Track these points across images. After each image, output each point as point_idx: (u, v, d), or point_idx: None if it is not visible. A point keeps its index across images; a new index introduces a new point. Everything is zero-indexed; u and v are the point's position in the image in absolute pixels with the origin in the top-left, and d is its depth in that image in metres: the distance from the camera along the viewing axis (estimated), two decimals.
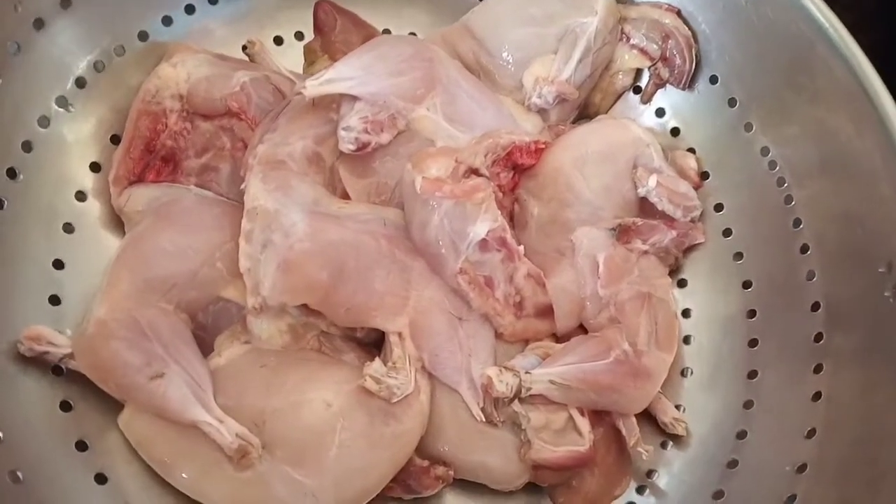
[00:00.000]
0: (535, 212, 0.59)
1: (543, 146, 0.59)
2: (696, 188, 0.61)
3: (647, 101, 0.66)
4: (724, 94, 0.62)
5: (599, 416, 0.55)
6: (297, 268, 0.51)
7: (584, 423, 0.53)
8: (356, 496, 0.50)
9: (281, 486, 0.48)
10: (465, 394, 0.53)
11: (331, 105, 0.57)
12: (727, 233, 0.61)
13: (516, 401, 0.52)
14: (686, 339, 0.60)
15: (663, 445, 0.57)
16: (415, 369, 0.52)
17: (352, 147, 0.55)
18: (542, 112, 0.63)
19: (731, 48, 0.61)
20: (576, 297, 0.57)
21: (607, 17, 0.62)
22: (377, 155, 0.57)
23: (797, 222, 0.56)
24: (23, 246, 0.53)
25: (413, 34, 0.68)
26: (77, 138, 0.58)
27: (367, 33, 0.66)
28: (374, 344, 0.55)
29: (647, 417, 0.56)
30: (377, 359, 0.52)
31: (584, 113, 0.66)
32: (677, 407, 0.57)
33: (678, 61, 0.63)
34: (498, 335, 0.55)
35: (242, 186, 0.53)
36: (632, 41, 0.64)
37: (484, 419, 0.52)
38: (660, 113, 0.65)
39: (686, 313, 0.61)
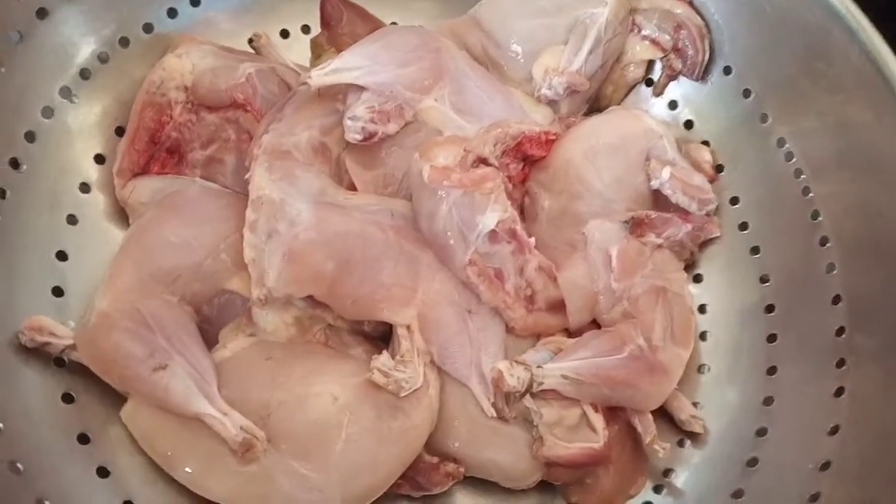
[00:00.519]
0: (546, 204, 0.58)
1: (554, 137, 0.58)
2: (711, 181, 0.60)
3: (659, 93, 0.65)
4: (738, 85, 0.61)
5: (614, 413, 0.54)
6: (303, 258, 0.50)
7: (598, 420, 0.52)
8: (363, 492, 0.49)
9: (286, 481, 0.47)
10: (475, 388, 0.52)
11: (337, 96, 0.57)
12: (743, 226, 0.60)
13: (528, 396, 0.51)
14: (702, 335, 0.59)
15: (680, 443, 0.55)
16: (423, 363, 0.51)
17: (358, 137, 0.54)
18: (552, 104, 0.62)
19: (745, 38, 0.60)
20: (588, 291, 0.56)
21: (618, 7, 0.61)
22: (384, 146, 0.56)
23: (815, 214, 0.55)
24: (25, 237, 0.53)
25: (420, 27, 0.66)
26: (81, 129, 0.57)
27: (374, 26, 0.65)
28: (381, 338, 0.54)
29: (664, 415, 0.55)
30: (385, 352, 0.51)
31: (596, 106, 0.65)
32: (694, 404, 0.56)
33: (691, 52, 0.62)
34: (508, 329, 0.54)
35: (247, 176, 0.53)
36: (643, 32, 0.63)
37: (495, 415, 0.51)
38: (672, 105, 0.64)
39: (702, 309, 0.60)
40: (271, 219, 0.50)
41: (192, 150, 0.58)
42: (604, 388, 0.52)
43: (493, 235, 0.52)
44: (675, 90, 0.64)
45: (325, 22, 0.64)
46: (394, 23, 0.66)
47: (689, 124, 0.64)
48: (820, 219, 0.55)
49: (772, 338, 0.55)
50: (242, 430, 0.47)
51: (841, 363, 0.50)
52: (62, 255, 0.54)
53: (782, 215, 0.57)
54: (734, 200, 0.60)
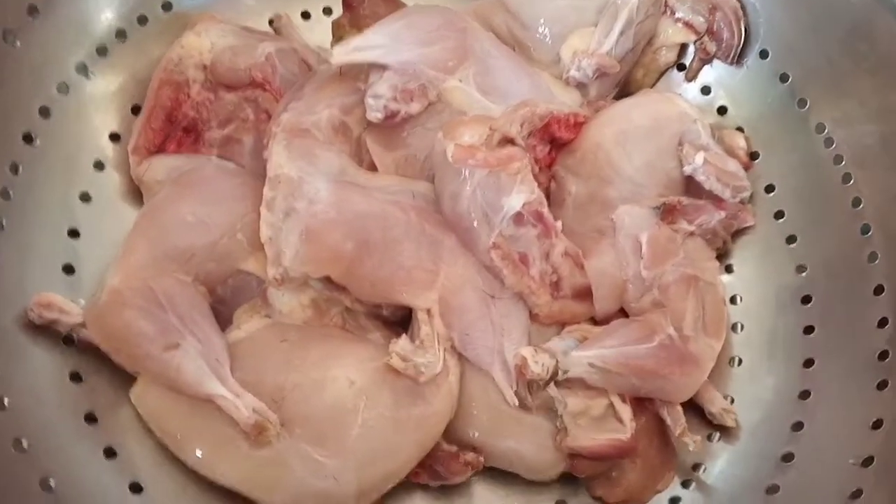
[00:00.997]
0: (574, 189, 0.57)
1: (583, 120, 0.57)
2: (746, 168, 0.58)
3: (692, 77, 0.63)
4: (775, 70, 0.59)
5: (642, 404, 0.52)
6: (321, 237, 0.49)
7: (625, 411, 0.50)
8: (379, 479, 0.48)
9: (300, 466, 0.46)
10: (497, 376, 0.50)
11: (359, 75, 0.56)
12: (779, 215, 0.58)
13: (552, 384, 0.49)
14: (734, 327, 0.57)
15: (710, 438, 0.54)
16: (444, 348, 0.50)
17: (379, 115, 0.53)
18: (580, 87, 0.60)
19: (783, 20, 0.58)
20: (616, 278, 0.54)
21: None
22: (407, 127, 0.55)
23: (857, 202, 0.53)
24: (38, 213, 0.52)
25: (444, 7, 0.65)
26: (97, 106, 0.57)
27: (396, 7, 0.64)
28: (400, 323, 0.53)
29: (694, 408, 0.53)
30: (404, 336, 0.49)
31: (626, 91, 0.63)
32: (726, 397, 0.54)
33: (726, 35, 0.61)
34: (532, 316, 0.53)
35: (265, 154, 0.52)
36: (676, 14, 0.62)
37: (517, 403, 0.50)
38: (706, 90, 0.63)
39: (734, 300, 0.58)
40: (289, 197, 0.49)
41: (210, 129, 0.58)
42: (632, 377, 0.50)
43: (518, 218, 0.51)
44: (708, 74, 0.63)
45: (347, 3, 0.63)
46: (416, 3, 0.65)
47: (722, 110, 0.62)
48: (861, 206, 0.53)
49: (808, 329, 0.54)
50: (255, 412, 0.46)
51: (884, 355, 0.49)
52: (74, 233, 0.54)
53: (821, 203, 0.56)
54: (769, 188, 0.59)
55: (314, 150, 0.52)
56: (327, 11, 0.66)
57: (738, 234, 0.58)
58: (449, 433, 0.50)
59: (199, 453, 0.47)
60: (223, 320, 0.51)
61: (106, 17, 0.57)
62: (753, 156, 0.60)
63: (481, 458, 0.50)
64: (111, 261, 0.51)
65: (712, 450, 0.53)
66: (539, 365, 0.48)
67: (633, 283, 0.53)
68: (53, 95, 0.54)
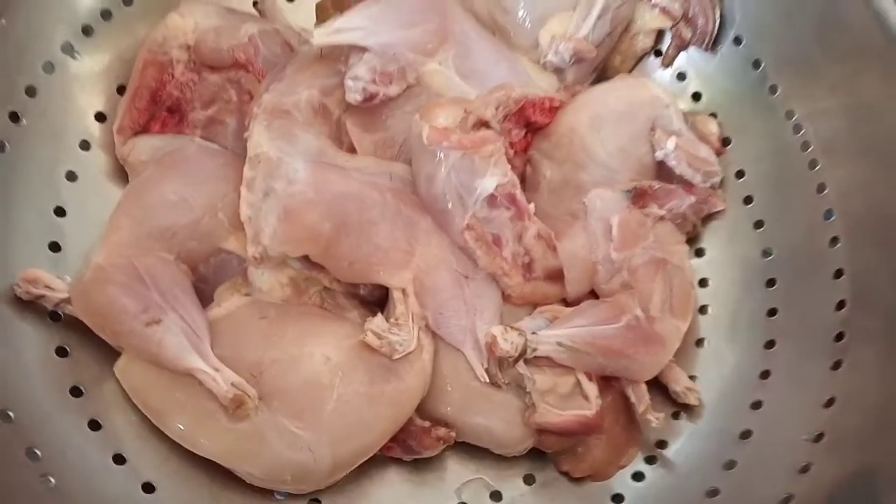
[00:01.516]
0: (548, 174, 0.58)
1: (558, 104, 0.58)
2: (718, 154, 0.59)
3: (668, 63, 0.64)
4: (748, 56, 0.60)
5: (608, 383, 0.54)
6: (299, 217, 0.50)
7: (591, 388, 0.52)
8: (354, 452, 0.49)
9: (277, 438, 0.48)
10: (468, 354, 0.52)
11: (339, 57, 0.56)
12: (748, 200, 0.59)
13: (521, 362, 0.51)
14: (702, 309, 0.58)
15: (675, 416, 0.55)
16: (418, 327, 0.51)
17: (358, 97, 0.54)
18: (558, 72, 0.61)
19: (756, 7, 0.59)
20: (587, 261, 0.55)
21: None
22: (386, 109, 0.56)
23: (821, 187, 0.55)
24: (24, 191, 0.53)
25: None
26: (82, 86, 0.57)
27: None
28: (377, 303, 0.54)
29: (660, 387, 0.55)
30: (379, 314, 0.51)
31: (603, 76, 0.64)
32: (692, 377, 0.56)
33: (701, 21, 0.61)
34: (505, 297, 0.54)
35: (246, 135, 0.52)
36: (653, 0, 0.62)
37: (488, 380, 0.51)
38: (681, 76, 0.64)
39: (703, 282, 0.59)
40: (268, 177, 0.50)
41: (193, 109, 0.58)
42: (599, 356, 0.52)
43: (491, 200, 0.52)
44: (683, 61, 0.63)
45: None
46: None
47: (696, 96, 0.63)
48: (826, 192, 0.54)
49: (772, 312, 0.55)
50: (234, 386, 0.47)
51: (840, 337, 0.50)
52: (60, 211, 0.54)
53: (788, 189, 0.57)
54: (740, 174, 0.60)
55: (294, 131, 0.52)
56: None
57: (708, 217, 0.59)
58: (422, 409, 0.51)
59: (180, 426, 0.48)
60: (205, 298, 0.52)
61: None
62: (726, 141, 0.60)
63: (453, 434, 0.51)
64: (96, 239, 0.52)
65: (676, 427, 0.55)
66: (508, 343, 0.50)
67: (603, 265, 0.55)
68: (39, 74, 0.54)
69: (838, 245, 0.52)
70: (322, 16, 0.64)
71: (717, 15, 0.61)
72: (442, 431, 0.51)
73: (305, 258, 0.51)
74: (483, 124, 0.53)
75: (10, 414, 0.45)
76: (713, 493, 0.50)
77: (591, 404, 0.51)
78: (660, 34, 0.63)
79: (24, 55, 0.54)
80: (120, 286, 0.49)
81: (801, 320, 0.53)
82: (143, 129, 0.57)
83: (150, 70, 0.57)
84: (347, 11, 0.56)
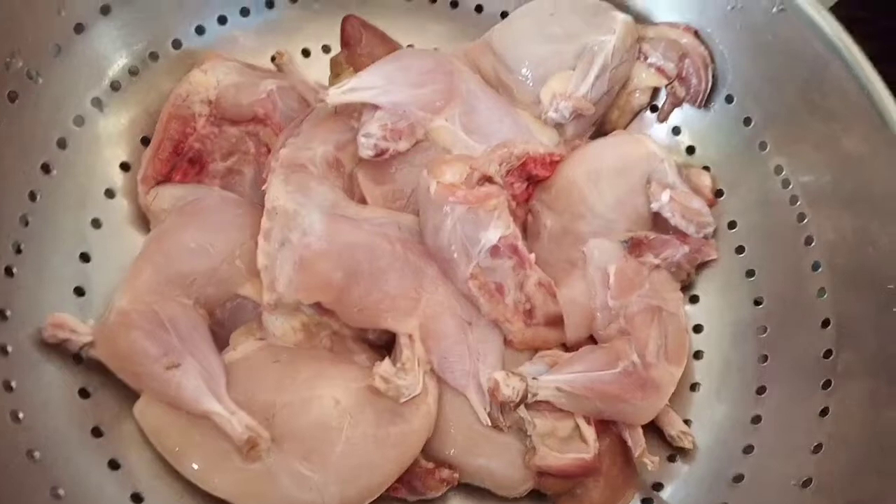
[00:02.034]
0: (548, 223, 0.60)
1: (558, 159, 0.60)
2: (711, 205, 0.62)
3: (663, 119, 0.67)
4: (739, 114, 0.63)
5: (606, 426, 0.55)
6: (313, 266, 0.52)
7: (589, 432, 0.54)
8: (361, 493, 0.51)
9: (287, 479, 0.49)
10: (472, 398, 0.54)
11: (352, 113, 0.59)
12: (740, 250, 0.61)
13: (522, 406, 0.53)
14: (697, 355, 0.60)
15: (671, 459, 0.57)
16: (423, 371, 0.53)
17: (370, 153, 0.56)
18: (558, 127, 0.64)
19: (747, 68, 0.62)
20: (586, 307, 0.57)
21: (625, 35, 0.63)
22: (395, 163, 0.58)
23: (809, 240, 0.57)
24: (53, 238, 0.55)
25: (436, 50, 0.69)
26: (109, 138, 0.60)
27: (392, 48, 0.67)
28: (385, 346, 0.56)
29: (655, 431, 0.57)
30: (387, 359, 0.53)
31: (601, 130, 0.67)
32: (686, 421, 0.57)
33: (694, 80, 0.64)
34: (507, 342, 0.56)
35: (264, 187, 0.55)
36: (649, 60, 0.65)
37: (490, 424, 0.53)
38: (676, 131, 0.66)
39: (697, 329, 0.61)
40: (285, 228, 0.53)
41: (213, 160, 0.61)
42: (597, 401, 0.53)
43: (494, 250, 0.54)
44: (678, 116, 0.66)
45: (346, 42, 0.67)
46: (411, 45, 0.69)
47: (690, 150, 0.66)
48: (813, 244, 0.56)
49: (763, 358, 0.57)
50: (248, 428, 0.49)
51: (827, 384, 0.52)
52: (85, 257, 0.57)
53: (777, 240, 0.59)
54: (732, 225, 0.62)
55: (309, 184, 0.55)
56: (326, 49, 0.69)
57: (701, 266, 0.62)
58: (426, 450, 0.53)
59: (195, 466, 0.50)
60: (220, 341, 0.54)
61: (120, 54, 0.61)
62: (718, 193, 0.63)
63: (456, 475, 0.53)
64: (119, 283, 0.54)
65: (671, 470, 0.56)
66: (510, 388, 0.52)
67: (601, 311, 0.57)
68: (70, 128, 0.58)
69: (825, 296, 0.54)
70: (336, 70, 0.67)
71: (710, 75, 0.64)
72: (446, 473, 0.53)
73: (317, 304, 0.53)
74: (487, 179, 0.55)
75: (36, 454, 0.47)
76: None
77: (589, 447, 0.53)
78: (655, 91, 0.66)
79: (57, 110, 0.57)
80: (142, 331, 0.51)
81: (791, 367, 0.55)
82: (166, 179, 0.60)
83: (174, 123, 0.61)
84: (362, 71, 0.59)
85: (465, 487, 0.55)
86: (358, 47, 0.67)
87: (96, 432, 0.52)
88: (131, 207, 0.60)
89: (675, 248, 0.59)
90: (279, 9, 0.68)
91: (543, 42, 0.64)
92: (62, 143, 0.57)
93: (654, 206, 0.60)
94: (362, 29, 0.67)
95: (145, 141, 0.62)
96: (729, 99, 0.63)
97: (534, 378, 0.53)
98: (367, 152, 0.57)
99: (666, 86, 0.66)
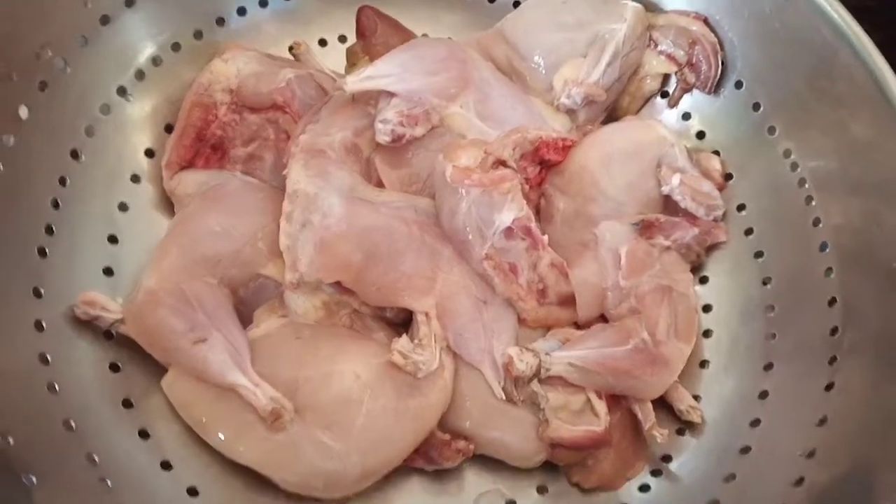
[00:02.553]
0: (561, 206, 0.62)
1: (570, 143, 0.62)
2: (720, 189, 0.63)
3: (673, 105, 0.68)
4: (748, 99, 0.64)
5: (617, 401, 0.57)
6: (333, 247, 0.54)
7: (601, 406, 0.55)
8: (380, 463, 0.52)
9: (311, 449, 0.51)
10: (486, 373, 0.55)
11: (369, 101, 0.61)
12: (749, 232, 0.62)
13: (536, 381, 0.54)
14: (706, 333, 0.61)
15: (679, 432, 0.58)
16: (440, 347, 0.54)
17: (387, 139, 0.58)
18: (570, 113, 0.65)
19: (756, 55, 0.63)
20: (598, 287, 0.59)
21: (636, 23, 0.65)
22: (411, 148, 0.60)
23: (816, 221, 0.58)
24: (82, 221, 0.57)
25: (449, 38, 0.71)
26: (134, 125, 0.62)
27: (406, 37, 0.69)
28: (402, 324, 0.58)
29: (665, 405, 0.58)
30: (405, 335, 0.54)
31: (613, 116, 0.68)
32: (695, 397, 0.58)
33: (704, 67, 0.65)
34: (521, 320, 0.58)
35: (285, 172, 0.56)
36: (660, 47, 0.67)
37: (504, 398, 0.54)
38: (686, 116, 0.68)
39: (707, 308, 0.62)
40: (306, 211, 0.54)
41: (235, 147, 0.63)
42: (608, 376, 0.55)
43: (508, 232, 0.56)
44: (688, 102, 0.67)
45: (361, 32, 0.68)
46: (425, 35, 0.70)
47: (700, 135, 0.67)
48: (820, 225, 0.57)
49: (771, 336, 0.58)
50: (272, 400, 0.50)
51: (833, 360, 0.53)
52: (113, 239, 0.59)
53: (785, 222, 0.60)
54: (741, 207, 0.63)
55: (328, 169, 0.56)
56: (342, 39, 0.71)
57: (711, 248, 0.63)
58: (443, 423, 0.54)
59: (221, 436, 0.51)
60: (244, 319, 0.55)
61: (144, 45, 0.63)
62: (727, 177, 0.64)
63: (471, 446, 0.54)
64: (146, 264, 0.56)
65: (680, 443, 0.57)
66: (524, 363, 0.53)
67: (612, 291, 0.58)
68: (97, 116, 0.60)
69: (832, 275, 0.56)
70: (352, 59, 0.69)
71: (720, 61, 0.65)
72: (461, 444, 0.54)
73: (337, 283, 0.55)
74: (501, 163, 0.57)
75: (73, 423, 0.50)
76: None
77: (600, 421, 0.54)
78: (666, 78, 0.68)
79: (85, 99, 0.59)
80: (169, 308, 0.53)
81: (798, 344, 0.56)
82: (189, 165, 0.62)
83: (197, 111, 0.62)
84: (378, 60, 0.60)
85: (480, 458, 0.56)
86: (373, 37, 0.68)
87: (127, 404, 0.54)
88: (156, 192, 0.62)
89: (686, 231, 0.61)
90: (296, 0, 0.70)
91: (555, 30, 0.65)
92: (90, 131, 0.59)
93: (665, 190, 0.61)
94: (377, 19, 0.69)
95: (169, 128, 0.64)
96: (738, 85, 0.64)
97: (547, 354, 0.54)
98: (384, 138, 0.58)
99: (676, 72, 0.67)
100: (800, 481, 0.49)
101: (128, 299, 0.55)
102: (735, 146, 0.65)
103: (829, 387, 0.52)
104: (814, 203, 0.58)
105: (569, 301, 0.59)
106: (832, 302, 0.55)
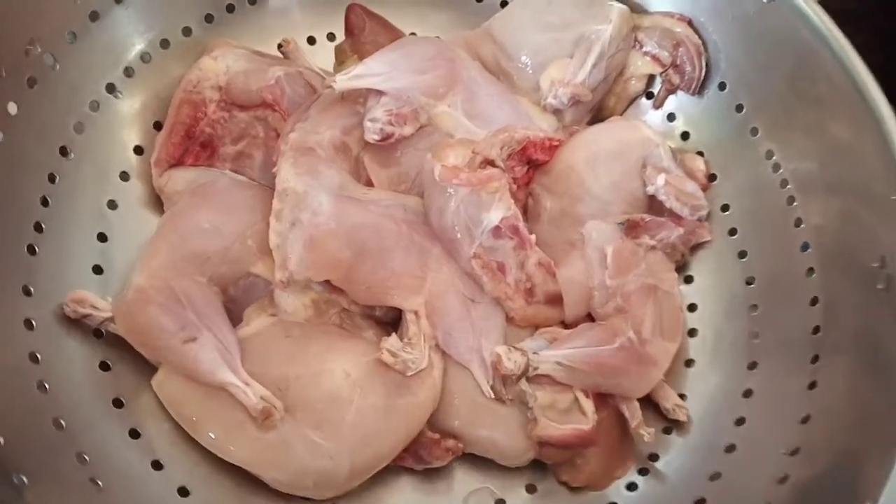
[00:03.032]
0: (548, 205, 0.62)
1: (557, 143, 0.62)
2: (704, 189, 0.64)
3: (658, 106, 0.69)
4: (731, 101, 0.65)
5: (603, 399, 0.57)
6: (322, 245, 0.54)
7: (588, 404, 0.56)
8: (370, 461, 0.53)
9: (301, 447, 0.51)
10: (475, 371, 0.56)
11: (358, 99, 0.61)
12: (732, 232, 0.63)
13: (524, 380, 0.55)
14: (691, 332, 0.62)
15: (666, 431, 0.59)
16: (429, 346, 0.55)
17: (376, 137, 0.58)
18: (557, 113, 0.65)
19: (739, 57, 0.64)
20: (584, 286, 0.59)
21: (621, 25, 0.65)
22: (400, 147, 0.60)
23: (798, 222, 0.59)
24: (72, 218, 0.57)
25: (437, 38, 0.71)
26: (123, 123, 0.62)
27: (395, 36, 0.69)
28: (391, 323, 0.58)
29: (652, 406, 0.58)
30: (394, 334, 0.55)
31: (599, 116, 0.69)
32: (681, 395, 0.59)
33: (688, 68, 0.66)
34: (509, 319, 0.58)
35: (274, 170, 0.57)
36: (644, 48, 0.67)
37: (493, 396, 0.55)
38: (670, 117, 0.68)
39: (692, 307, 0.63)
40: (295, 209, 0.54)
41: (224, 144, 0.63)
42: (595, 375, 0.55)
43: (496, 231, 0.56)
44: (673, 103, 0.68)
45: (350, 30, 0.68)
46: (413, 33, 0.71)
47: (685, 135, 0.68)
48: (802, 226, 0.58)
49: (754, 335, 0.59)
50: (262, 399, 0.51)
51: (815, 359, 0.54)
52: (103, 237, 0.59)
53: (768, 222, 0.61)
54: (725, 208, 0.64)
55: (318, 167, 0.57)
56: (331, 37, 0.71)
57: (695, 247, 0.64)
58: (432, 422, 0.54)
59: (212, 435, 0.51)
60: (234, 317, 0.55)
61: (133, 41, 0.63)
62: (711, 178, 0.65)
63: (460, 445, 0.55)
64: (135, 262, 0.56)
65: (667, 441, 0.58)
66: (512, 362, 0.53)
67: (598, 290, 0.59)
68: (86, 112, 0.59)
69: (813, 275, 0.56)
70: (340, 57, 0.69)
71: (704, 63, 0.65)
72: (450, 443, 0.55)
73: (327, 282, 0.55)
74: (489, 163, 0.57)
75: (62, 422, 0.49)
76: (700, 502, 0.53)
77: (588, 419, 0.54)
78: (651, 79, 0.68)
79: (74, 96, 0.58)
80: (159, 306, 0.53)
81: (781, 343, 0.57)
82: (178, 162, 0.62)
83: (185, 108, 0.62)
84: (367, 58, 0.60)
85: (469, 457, 0.57)
86: (362, 35, 0.69)
87: (117, 403, 0.54)
88: (146, 189, 0.62)
89: (670, 230, 0.61)
90: None
91: (542, 31, 0.66)
92: (79, 128, 0.59)
93: (650, 190, 0.62)
94: (366, 17, 0.69)
95: (158, 125, 0.64)
96: (722, 86, 0.65)
97: (534, 353, 0.55)
98: (372, 136, 0.58)
99: (661, 73, 0.68)
100: (784, 479, 0.50)
101: (117, 297, 0.55)
102: (719, 147, 0.66)
103: (811, 385, 0.53)
104: (795, 204, 0.59)
105: (556, 300, 0.59)
106: (814, 301, 0.56)
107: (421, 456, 0.55)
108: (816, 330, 0.55)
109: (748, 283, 0.61)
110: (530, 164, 0.63)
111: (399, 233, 0.56)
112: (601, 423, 0.56)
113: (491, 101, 0.64)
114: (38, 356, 0.51)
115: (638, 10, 0.68)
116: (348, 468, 0.52)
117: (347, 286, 0.55)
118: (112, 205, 0.60)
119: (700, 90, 0.66)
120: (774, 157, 0.61)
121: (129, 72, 0.63)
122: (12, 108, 0.53)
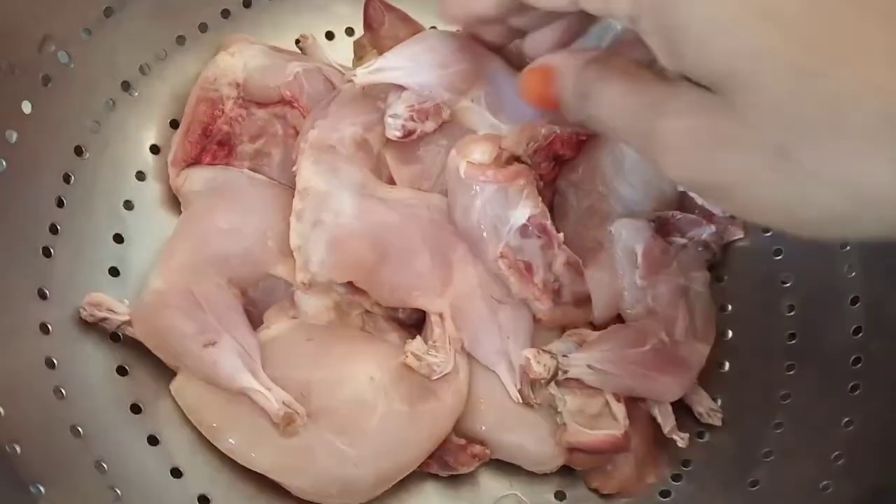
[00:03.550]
0: (575, 203, 0.60)
1: (585, 138, 0.61)
2: None
3: None
4: None
5: (635, 404, 0.56)
6: (345, 246, 0.53)
7: (619, 409, 0.54)
8: (395, 468, 0.51)
9: (324, 454, 0.50)
10: (502, 375, 0.54)
11: (379, 94, 0.59)
12: (766, 229, 0.62)
13: (553, 384, 0.53)
14: (723, 333, 0.61)
15: (699, 435, 0.57)
16: (454, 349, 0.53)
17: (398, 133, 0.57)
18: None
19: None
20: (614, 287, 0.58)
21: None
22: (422, 143, 0.59)
23: None
24: (87, 219, 0.56)
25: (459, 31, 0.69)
26: (138, 121, 0.61)
27: (415, 30, 0.67)
28: (415, 325, 0.57)
29: (685, 409, 0.57)
30: (418, 337, 0.53)
31: None
32: (715, 399, 0.58)
33: None
34: (536, 321, 0.56)
35: (294, 168, 0.55)
36: None
37: (521, 401, 0.54)
38: None
39: (724, 308, 0.62)
40: (317, 209, 0.53)
41: (242, 142, 0.61)
42: (626, 378, 0.54)
43: (523, 230, 0.54)
44: None
45: (368, 25, 0.67)
46: (433, 27, 0.69)
47: None
48: None
49: (791, 336, 0.57)
50: (284, 404, 0.49)
51: (857, 361, 0.52)
52: (119, 238, 0.57)
53: None
54: None
55: (339, 165, 0.55)
56: (349, 32, 0.70)
57: (728, 245, 0.62)
58: (458, 427, 0.53)
59: (232, 441, 0.50)
60: (254, 320, 0.54)
61: (148, 37, 0.61)
62: None
63: (487, 451, 0.53)
64: (152, 264, 0.55)
65: (700, 446, 0.56)
66: (541, 365, 0.52)
67: (628, 291, 0.57)
68: (101, 111, 0.58)
69: (854, 273, 0.55)
70: (359, 52, 0.67)
71: None
72: (477, 449, 0.53)
73: (349, 284, 0.54)
74: (515, 159, 0.56)
75: (80, 429, 0.48)
76: None
77: (619, 424, 0.53)
78: None
79: (89, 94, 0.57)
80: (178, 309, 0.52)
81: (820, 345, 0.55)
82: (195, 161, 0.60)
83: (203, 106, 0.61)
84: (388, 52, 0.59)
85: (496, 463, 0.55)
86: (381, 30, 0.67)
87: (135, 409, 0.52)
88: (162, 189, 0.61)
89: (702, 228, 0.60)
90: None
91: None
92: (94, 127, 0.58)
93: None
94: (385, 11, 0.67)
95: (174, 124, 0.62)
96: None
97: (564, 356, 0.53)
98: (394, 133, 0.57)
99: None
100: (825, 487, 0.49)
101: (135, 301, 0.54)
102: None
103: (853, 388, 0.51)
104: None
105: (584, 300, 0.58)
106: (854, 301, 0.55)
107: (447, 462, 0.54)
108: (858, 331, 0.54)
109: (783, 282, 0.60)
110: (556, 160, 0.61)
111: (423, 232, 0.55)
112: (633, 428, 0.55)
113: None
114: (55, 361, 0.50)
115: None
116: (373, 475, 0.51)
117: (371, 288, 0.54)
118: (128, 205, 0.59)
119: None
120: None
121: (144, 69, 0.61)
122: (27, 106, 0.52)
